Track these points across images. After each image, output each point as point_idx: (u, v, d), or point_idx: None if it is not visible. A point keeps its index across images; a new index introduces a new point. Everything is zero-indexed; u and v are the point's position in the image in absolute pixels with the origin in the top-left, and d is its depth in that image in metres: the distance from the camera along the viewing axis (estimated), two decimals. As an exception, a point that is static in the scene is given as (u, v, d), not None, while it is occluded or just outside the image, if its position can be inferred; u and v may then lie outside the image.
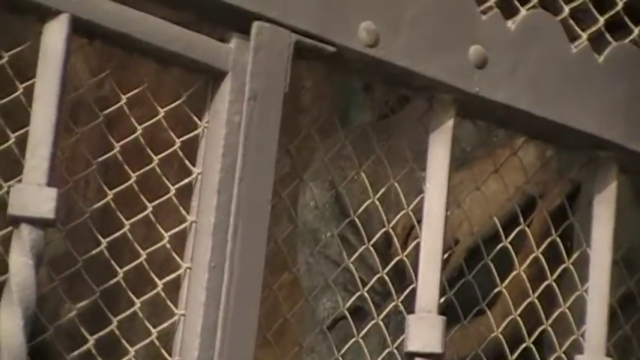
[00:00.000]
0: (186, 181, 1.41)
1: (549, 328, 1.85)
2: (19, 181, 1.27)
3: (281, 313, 2.13)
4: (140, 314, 1.45)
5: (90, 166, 1.61)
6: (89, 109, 1.58)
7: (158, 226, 1.45)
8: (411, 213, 1.71)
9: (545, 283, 1.86)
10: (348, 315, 2.11)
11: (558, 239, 1.93)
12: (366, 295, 1.91)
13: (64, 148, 2.57)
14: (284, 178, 2.38)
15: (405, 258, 1.76)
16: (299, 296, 2.61)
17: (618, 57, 1.63)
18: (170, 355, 1.35)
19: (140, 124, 1.44)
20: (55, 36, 1.26)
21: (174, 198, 1.44)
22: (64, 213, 1.27)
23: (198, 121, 1.41)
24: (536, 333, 1.85)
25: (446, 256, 1.73)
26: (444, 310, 1.64)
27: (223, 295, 1.34)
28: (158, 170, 1.45)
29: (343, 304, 2.20)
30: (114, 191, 1.46)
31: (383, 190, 1.81)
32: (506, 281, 1.87)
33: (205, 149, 1.39)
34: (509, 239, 1.85)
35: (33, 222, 1.24)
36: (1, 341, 1.22)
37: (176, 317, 1.36)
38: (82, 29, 1.30)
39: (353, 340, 1.92)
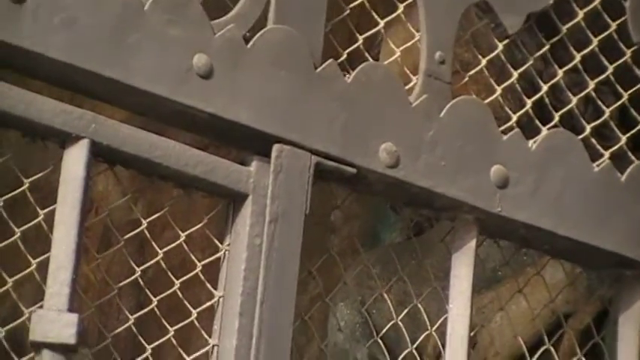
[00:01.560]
0: (209, 304, 1.40)
1: None
2: (41, 306, 1.26)
3: None
4: None
5: (121, 288, 1.60)
6: (122, 230, 1.58)
7: (181, 350, 1.44)
8: (434, 334, 1.69)
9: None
10: None
11: (584, 359, 1.91)
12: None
13: (96, 271, 2.60)
14: (315, 299, 2.39)
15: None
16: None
17: (641, 175, 1.63)
18: None
19: (171, 252, 1.45)
20: (75, 162, 1.27)
21: (195, 321, 1.44)
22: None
23: (220, 244, 1.41)
24: None
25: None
26: None
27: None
28: (179, 294, 1.44)
29: None
30: (135, 316, 1.45)
31: (407, 310, 1.80)
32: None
33: (227, 272, 1.39)
34: (535, 358, 1.82)
35: (54, 348, 1.24)
36: None
37: None
38: (102, 154, 1.31)
39: None
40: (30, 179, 1.38)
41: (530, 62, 1.75)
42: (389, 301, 1.86)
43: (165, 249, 1.44)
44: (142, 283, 1.46)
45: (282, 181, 1.40)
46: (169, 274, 1.44)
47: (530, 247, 1.74)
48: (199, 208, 1.51)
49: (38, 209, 1.34)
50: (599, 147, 1.68)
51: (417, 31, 1.56)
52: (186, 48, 1.36)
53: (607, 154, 1.67)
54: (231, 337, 1.34)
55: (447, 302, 1.53)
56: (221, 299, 1.38)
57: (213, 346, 1.37)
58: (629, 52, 1.78)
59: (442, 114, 1.52)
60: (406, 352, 1.91)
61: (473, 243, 1.52)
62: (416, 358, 1.93)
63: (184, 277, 1.44)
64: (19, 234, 1.38)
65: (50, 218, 1.29)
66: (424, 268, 1.87)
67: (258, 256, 1.37)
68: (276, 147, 1.40)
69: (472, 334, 1.56)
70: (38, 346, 1.24)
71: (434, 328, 1.67)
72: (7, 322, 1.35)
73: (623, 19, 1.76)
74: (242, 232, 1.38)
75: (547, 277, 2.13)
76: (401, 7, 1.58)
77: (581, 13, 1.76)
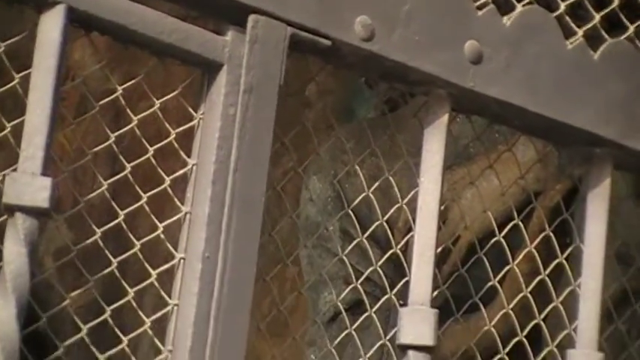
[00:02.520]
0: (182, 172, 1.41)
1: (542, 323, 1.86)
2: (14, 170, 1.27)
3: (282, 305, 2.15)
4: (134, 304, 1.46)
5: (96, 157, 1.61)
6: (97, 100, 1.58)
7: (152, 216, 1.45)
8: (405, 207, 1.71)
9: (539, 278, 1.87)
10: (342, 309, 2.14)
11: (552, 235, 1.94)
12: (359, 287, 1.93)
13: (72, 140, 2.61)
14: (288, 171, 2.40)
15: (400, 252, 1.77)
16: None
17: (614, 54, 1.63)
18: (163, 344, 1.36)
19: (146, 121, 1.45)
20: (51, 27, 1.27)
21: (169, 189, 1.45)
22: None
23: (194, 113, 1.41)
24: (528, 327, 1.86)
25: (442, 250, 1.76)
26: (444, 304, 1.67)
27: (217, 286, 1.34)
28: (153, 161, 1.45)
29: (344, 298, 2.21)
30: (108, 182, 1.46)
31: (377, 183, 1.82)
32: (499, 276, 1.89)
33: (200, 141, 1.39)
34: (502, 234, 1.85)
35: (27, 211, 1.24)
36: (-5, 329, 1.23)
37: (169, 307, 1.36)
38: (78, 20, 1.30)
39: (345, 332, 1.94)
40: (5, 43, 1.38)
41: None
42: (361, 176, 1.88)
43: (139, 116, 1.44)
44: (116, 149, 1.47)
45: (257, 51, 1.39)
46: (144, 141, 1.45)
47: (502, 123, 1.75)
48: (175, 81, 1.50)
49: (14, 73, 1.34)
50: (573, 25, 1.68)
51: None
52: None
53: (580, 32, 1.67)
54: (204, 205, 1.35)
55: (418, 178, 1.54)
56: (194, 167, 1.38)
57: (185, 213, 1.38)
58: None
59: (418, -14, 1.52)
60: (377, 223, 1.94)
61: (445, 118, 1.53)
62: (386, 230, 1.96)
63: (158, 145, 1.45)
64: (-7, 97, 1.38)
65: (27, 83, 1.29)
66: (397, 143, 1.88)
67: (232, 125, 1.37)
68: (252, 17, 1.39)
69: (443, 208, 1.57)
70: (11, 209, 1.24)
71: (404, 201, 1.69)
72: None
73: None
74: (216, 102, 1.38)
75: (518, 155, 2.15)
76: None
77: None
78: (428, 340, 1.46)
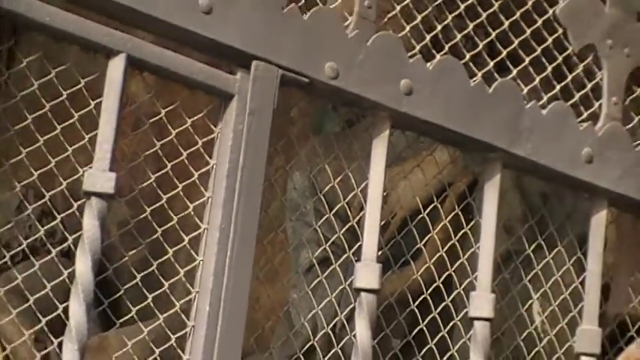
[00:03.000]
0: (205, 169, 1.42)
1: (453, 274, 1.90)
2: (91, 167, 1.27)
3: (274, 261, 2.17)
4: (172, 259, 1.48)
5: (146, 159, 1.62)
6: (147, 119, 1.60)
7: (185, 199, 1.46)
8: (359, 193, 1.73)
9: (450, 242, 1.91)
10: (315, 263, 2.16)
11: (460, 213, 1.99)
12: (327, 249, 1.96)
13: (130, 147, 2.61)
14: (278, 169, 2.41)
15: (355, 224, 1.78)
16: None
17: (503, 88, 1.65)
18: (193, 287, 1.37)
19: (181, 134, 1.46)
20: (116, 69, 1.28)
21: (197, 180, 1.46)
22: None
23: (214, 128, 1.42)
24: (443, 277, 1.90)
25: (384, 223, 1.78)
26: (385, 260, 1.69)
27: (229, 247, 1.36)
28: (186, 161, 1.47)
29: (317, 256, 2.22)
30: (154, 176, 1.48)
31: (340, 177, 1.84)
32: (424, 241, 1.92)
33: (218, 147, 1.40)
34: (425, 212, 1.89)
35: (99, 195, 1.26)
36: (77, 278, 1.24)
37: (197, 261, 1.37)
38: (135, 64, 1.32)
39: (317, 279, 1.97)
40: (84, 79, 1.39)
41: (429, 10, 1.76)
42: (329, 172, 1.90)
43: (176, 130, 1.45)
44: (160, 153, 1.48)
45: (258, 86, 1.39)
46: (180, 148, 1.46)
47: (426, 136, 1.76)
48: (201, 106, 1.51)
49: (90, 100, 1.35)
50: (474, 69, 1.70)
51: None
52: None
53: (479, 74, 1.69)
54: (221, 192, 1.37)
55: (368, 173, 1.55)
56: (214, 165, 1.39)
57: (208, 197, 1.40)
58: (496, 4, 1.79)
59: (369, 43, 1.52)
60: (339, 205, 1.97)
61: (387, 132, 1.54)
62: (346, 209, 1.98)
63: (190, 150, 1.46)
64: (76, 117, 1.39)
65: (99, 107, 1.30)
66: (353, 150, 1.89)
67: (240, 137, 1.38)
68: (254, 63, 1.40)
69: (384, 194, 1.58)
70: (88, 194, 1.26)
71: (359, 189, 1.70)
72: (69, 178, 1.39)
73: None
74: (229, 121, 1.38)
75: (437, 157, 2.18)
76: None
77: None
78: (374, 285, 1.48)
